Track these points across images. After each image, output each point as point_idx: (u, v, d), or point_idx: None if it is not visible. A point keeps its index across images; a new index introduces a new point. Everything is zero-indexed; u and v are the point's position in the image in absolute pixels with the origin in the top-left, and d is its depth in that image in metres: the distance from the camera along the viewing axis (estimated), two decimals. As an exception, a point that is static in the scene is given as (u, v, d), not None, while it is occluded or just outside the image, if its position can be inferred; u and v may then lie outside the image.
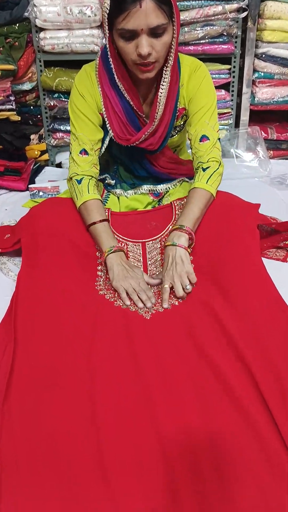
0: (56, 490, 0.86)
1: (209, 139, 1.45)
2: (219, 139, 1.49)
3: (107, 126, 1.46)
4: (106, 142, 1.50)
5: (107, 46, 1.31)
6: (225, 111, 2.50)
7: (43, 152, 2.52)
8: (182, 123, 1.52)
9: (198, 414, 0.97)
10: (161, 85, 1.35)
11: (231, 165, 2.31)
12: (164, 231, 1.46)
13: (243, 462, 0.88)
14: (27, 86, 2.41)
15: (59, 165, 2.58)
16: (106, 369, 1.08)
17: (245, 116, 2.51)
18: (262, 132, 2.50)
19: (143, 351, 1.12)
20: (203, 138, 1.45)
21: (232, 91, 2.48)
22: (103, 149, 1.52)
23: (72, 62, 2.35)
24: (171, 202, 1.53)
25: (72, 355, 1.11)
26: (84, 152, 1.47)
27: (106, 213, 1.49)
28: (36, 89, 2.48)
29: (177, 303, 1.28)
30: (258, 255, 1.35)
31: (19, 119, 2.32)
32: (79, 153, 1.47)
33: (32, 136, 2.44)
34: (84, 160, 1.47)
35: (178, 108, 1.47)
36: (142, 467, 0.89)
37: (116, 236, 1.45)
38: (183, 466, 0.88)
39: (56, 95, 2.45)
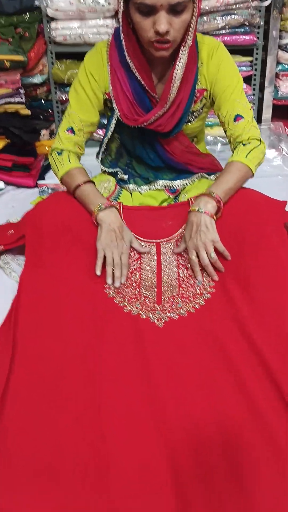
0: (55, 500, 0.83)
1: (243, 118, 1.35)
2: (254, 117, 1.40)
3: (114, 106, 1.37)
4: (113, 124, 1.41)
5: (120, 20, 1.22)
6: (246, 106, 2.37)
7: (54, 149, 2.41)
8: (200, 107, 1.41)
9: (213, 426, 0.91)
10: (176, 65, 1.26)
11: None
12: (180, 230, 1.34)
13: (255, 461, 0.85)
14: (37, 79, 2.32)
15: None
16: (114, 383, 0.99)
17: (267, 111, 2.39)
18: (286, 129, 2.37)
19: (155, 363, 1.03)
20: (238, 117, 1.35)
21: (254, 84, 2.36)
22: (109, 133, 1.43)
23: (85, 54, 2.23)
24: (188, 200, 1.41)
25: (76, 367, 1.03)
26: (71, 130, 1.41)
27: (118, 206, 1.38)
28: (47, 83, 2.39)
29: (193, 310, 1.16)
30: (285, 255, 1.22)
31: (29, 113, 2.21)
32: (66, 130, 1.41)
33: (42, 132, 2.34)
34: (69, 138, 1.41)
35: (197, 89, 1.37)
36: (147, 476, 0.85)
37: None
38: (193, 476, 0.84)
39: (68, 88, 2.35)
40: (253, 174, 1.35)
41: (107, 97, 1.39)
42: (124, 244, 1.26)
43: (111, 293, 1.21)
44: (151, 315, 1.15)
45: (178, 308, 1.17)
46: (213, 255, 1.20)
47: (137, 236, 1.34)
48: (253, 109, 2.40)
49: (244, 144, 1.35)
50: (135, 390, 0.98)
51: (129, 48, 1.27)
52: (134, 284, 1.23)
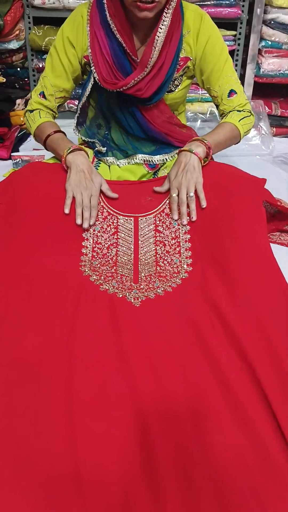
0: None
1: (237, 93, 1.39)
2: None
3: (92, 69, 1.34)
4: (88, 88, 1.38)
5: None
6: (228, 82, 2.33)
7: (29, 119, 2.33)
8: (181, 74, 1.39)
9: (189, 411, 0.89)
10: (159, 28, 1.24)
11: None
12: (160, 206, 1.31)
13: (221, 428, 0.86)
14: (13, 45, 2.23)
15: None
16: (88, 363, 0.97)
17: (248, 89, 2.36)
18: (266, 107, 2.35)
19: (130, 342, 1.01)
20: (232, 92, 1.38)
21: (237, 60, 2.31)
22: (84, 97, 1.41)
23: (64, 20, 2.14)
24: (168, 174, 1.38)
25: (49, 347, 1.00)
26: (42, 95, 1.43)
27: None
28: (24, 49, 2.30)
29: (170, 289, 1.14)
30: (263, 234, 1.22)
31: (4, 80, 2.13)
32: (39, 94, 1.44)
33: (17, 101, 2.26)
34: (40, 102, 1.43)
35: (180, 57, 1.35)
36: (118, 451, 0.84)
37: (106, 207, 1.31)
38: (164, 447, 0.84)
39: (45, 56, 2.25)
40: (239, 140, 1.40)
41: (85, 61, 1.35)
42: (94, 186, 1.27)
43: (87, 270, 1.18)
44: (127, 294, 1.13)
45: (155, 287, 1.15)
46: (192, 194, 1.24)
47: (115, 210, 1.31)
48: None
49: (238, 111, 1.39)
50: (109, 369, 0.96)
51: (110, 8, 1.25)
52: (110, 262, 1.21)
